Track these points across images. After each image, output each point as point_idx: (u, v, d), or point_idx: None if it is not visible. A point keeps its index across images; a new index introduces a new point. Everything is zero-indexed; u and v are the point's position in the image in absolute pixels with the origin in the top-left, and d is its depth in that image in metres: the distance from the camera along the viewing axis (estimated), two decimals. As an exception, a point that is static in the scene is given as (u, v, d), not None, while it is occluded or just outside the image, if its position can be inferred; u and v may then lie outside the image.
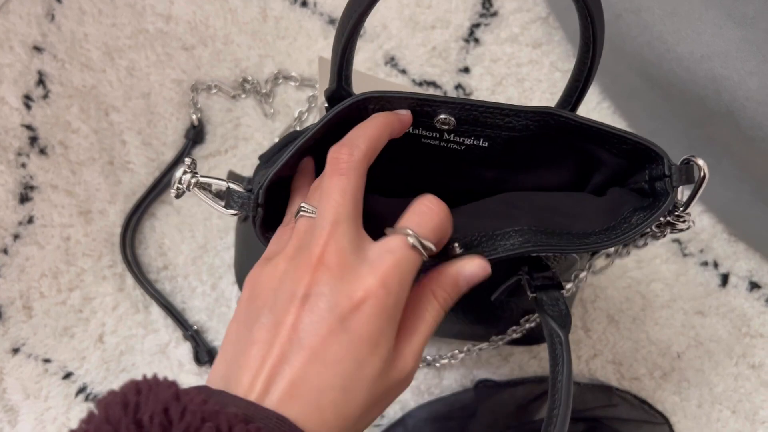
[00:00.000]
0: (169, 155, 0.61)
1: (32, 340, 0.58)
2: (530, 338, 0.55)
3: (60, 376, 0.58)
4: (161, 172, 0.60)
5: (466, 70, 0.63)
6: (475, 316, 0.51)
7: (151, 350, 0.59)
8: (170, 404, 0.25)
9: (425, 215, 0.32)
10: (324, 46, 0.63)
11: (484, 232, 0.37)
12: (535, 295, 0.39)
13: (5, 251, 0.59)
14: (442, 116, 0.37)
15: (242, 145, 0.61)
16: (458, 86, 0.63)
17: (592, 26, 0.36)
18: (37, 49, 0.61)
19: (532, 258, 0.41)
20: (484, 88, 0.63)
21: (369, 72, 0.62)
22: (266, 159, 0.39)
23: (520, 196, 0.40)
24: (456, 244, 0.37)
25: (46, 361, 0.58)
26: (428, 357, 0.59)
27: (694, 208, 0.63)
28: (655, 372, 0.60)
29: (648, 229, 0.38)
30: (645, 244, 0.41)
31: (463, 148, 0.40)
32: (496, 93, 0.63)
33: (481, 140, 0.39)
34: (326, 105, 0.41)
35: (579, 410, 0.58)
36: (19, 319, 0.58)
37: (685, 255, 0.62)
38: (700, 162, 0.35)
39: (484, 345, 0.57)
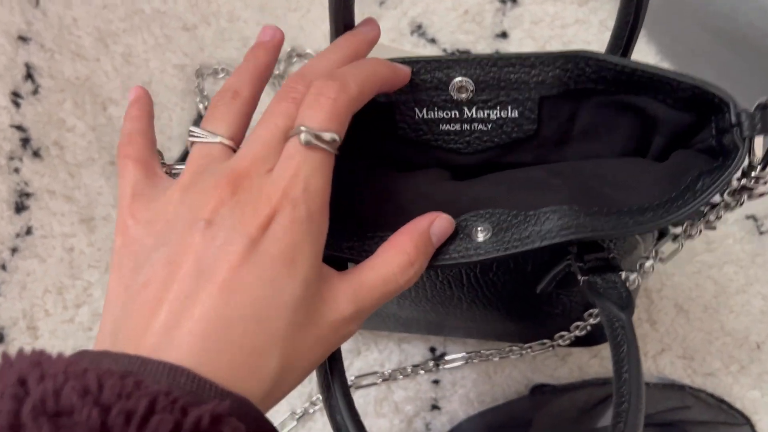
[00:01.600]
0: (176, 150, 0.55)
1: (40, 362, 0.53)
2: (589, 338, 0.48)
3: (73, 401, 0.53)
4: (168, 169, 0.54)
5: (504, 35, 0.56)
6: (521, 313, 0.45)
7: (170, 367, 0.53)
8: (28, 373, 0.21)
9: (319, 99, 0.27)
10: (341, 17, 0.55)
11: (516, 210, 0.31)
12: (587, 278, 0.33)
13: (3, 267, 0.53)
14: (458, 79, 0.32)
15: (256, 134, 0.55)
16: (495, 54, 0.55)
17: None
18: (23, 39, 0.55)
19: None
20: (525, 55, 0.55)
21: (393, 44, 0.55)
22: None
23: (564, 163, 0.34)
24: (479, 228, 0.32)
25: (57, 385, 0.53)
26: (465, 353, 0.52)
27: (769, 179, 0.55)
28: (731, 366, 0.54)
29: (718, 198, 0.31)
30: (718, 219, 0.33)
31: (490, 126, 0.34)
32: (539, 59, 0.55)
33: (509, 109, 0.33)
34: None
35: (649, 414, 0.52)
36: (24, 341, 0.53)
37: (761, 233, 0.55)
38: None
39: (537, 346, 0.51)
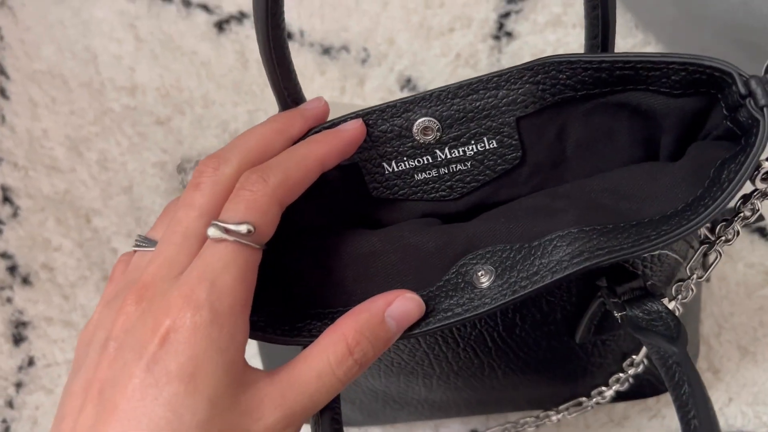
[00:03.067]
0: (169, 255, 0.51)
1: (63, 499, 0.51)
2: (635, 392, 0.42)
3: None
4: (164, 277, 0.50)
5: (503, 74, 0.50)
6: (567, 373, 0.39)
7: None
8: None
9: (238, 194, 0.25)
10: (322, 83, 0.51)
11: (519, 243, 0.28)
12: (624, 313, 0.29)
13: (10, 404, 0.51)
14: (420, 121, 0.29)
15: (251, 224, 0.51)
16: (497, 98, 0.50)
17: None
18: (-6, 160, 0.52)
19: (608, 267, 0.30)
20: (530, 93, 0.50)
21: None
22: None
23: (567, 185, 0.30)
24: (480, 272, 0.28)
25: None
26: (498, 426, 0.47)
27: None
28: (812, 407, 0.48)
29: (750, 187, 0.26)
30: (755, 213, 0.28)
31: (470, 164, 0.31)
32: (547, 96, 0.50)
33: (485, 140, 0.30)
34: None
35: (725, 477, 0.46)
36: (43, 478, 0.51)
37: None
38: None
39: (573, 408, 0.45)
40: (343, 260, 0.30)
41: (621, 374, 0.40)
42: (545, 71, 0.28)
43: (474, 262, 0.28)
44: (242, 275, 0.24)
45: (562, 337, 0.35)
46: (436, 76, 0.50)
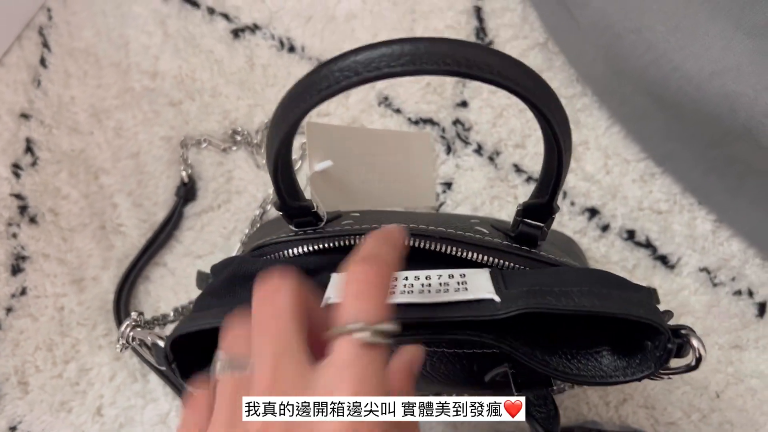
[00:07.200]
0: (160, 215, 0.59)
1: (29, 417, 0.56)
2: None
3: (58, 454, 0.56)
4: (153, 232, 0.58)
5: (464, 104, 0.60)
6: (473, 390, 0.47)
7: (152, 420, 0.56)
8: None
9: (361, 284, 0.25)
10: (314, 90, 0.60)
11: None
12: (520, 393, 0.37)
13: (-1, 326, 0.57)
14: None
15: (235, 198, 0.59)
16: (456, 121, 0.60)
17: (554, 134, 0.31)
18: (25, 116, 0.60)
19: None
20: (484, 122, 0.59)
21: (363, 114, 0.60)
22: (213, 284, 0.36)
23: None
24: None
25: (44, 438, 0.56)
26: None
27: (722, 233, 0.58)
28: (692, 414, 0.55)
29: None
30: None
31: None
32: (498, 125, 0.59)
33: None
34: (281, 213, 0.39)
35: (611, 462, 0.53)
36: (15, 395, 0.56)
37: (715, 284, 0.57)
38: (695, 342, 0.31)
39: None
40: None
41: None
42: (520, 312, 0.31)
43: None
44: (384, 372, 0.25)
45: (475, 376, 0.42)
46: (408, 97, 0.60)
